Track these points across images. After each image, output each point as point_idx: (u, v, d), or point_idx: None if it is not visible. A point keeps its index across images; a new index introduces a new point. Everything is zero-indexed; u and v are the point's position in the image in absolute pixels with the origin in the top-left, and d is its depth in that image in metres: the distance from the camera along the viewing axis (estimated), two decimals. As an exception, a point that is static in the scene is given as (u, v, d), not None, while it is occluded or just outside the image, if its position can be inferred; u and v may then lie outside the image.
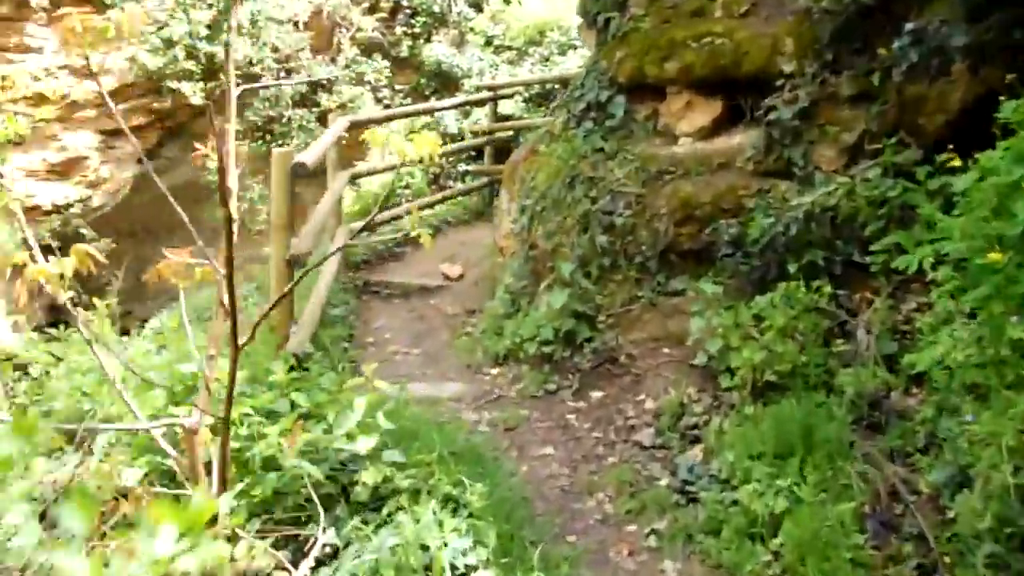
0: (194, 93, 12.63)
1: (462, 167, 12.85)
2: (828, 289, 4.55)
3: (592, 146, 6.41)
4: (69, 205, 12.39)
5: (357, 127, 8.39)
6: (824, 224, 4.74)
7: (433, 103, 11.74)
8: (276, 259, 5.18)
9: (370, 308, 7.73)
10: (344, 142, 14.26)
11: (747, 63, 5.68)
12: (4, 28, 11.60)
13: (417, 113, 10.99)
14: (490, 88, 11.04)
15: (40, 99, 11.99)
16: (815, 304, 4.54)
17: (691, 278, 5.74)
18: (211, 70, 12.91)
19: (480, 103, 11.32)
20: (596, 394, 5.48)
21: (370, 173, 9.12)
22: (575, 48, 13.24)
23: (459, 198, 11.06)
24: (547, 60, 13.36)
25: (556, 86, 11.15)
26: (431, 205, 10.26)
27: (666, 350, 5.59)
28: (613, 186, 6.06)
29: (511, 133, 10.94)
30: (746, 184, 5.52)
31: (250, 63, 13.14)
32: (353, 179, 8.38)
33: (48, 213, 12.16)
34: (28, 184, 12.07)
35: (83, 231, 6.58)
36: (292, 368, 4.66)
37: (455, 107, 11.25)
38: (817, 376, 4.37)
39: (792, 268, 4.76)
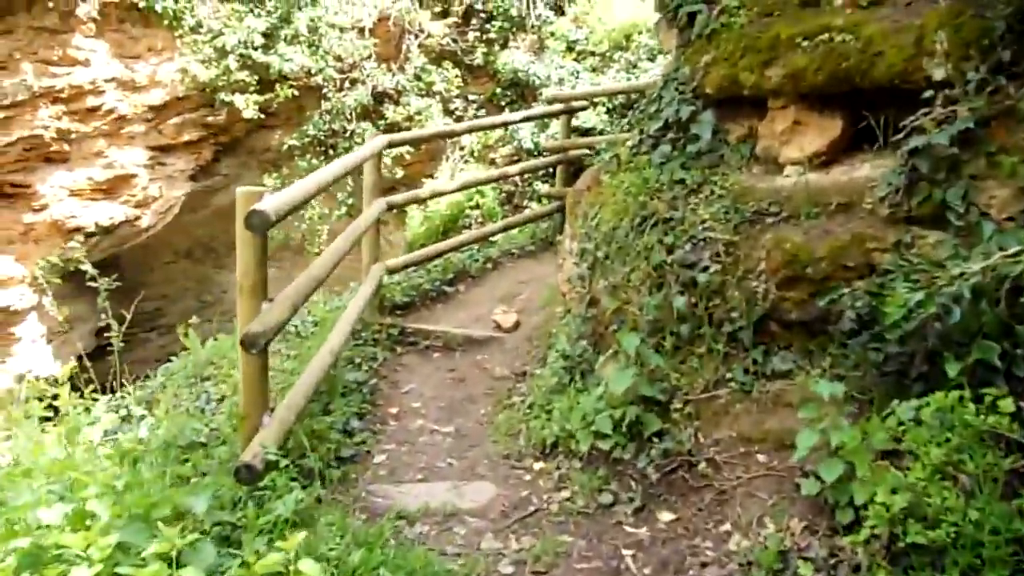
0: (247, 106, 11.65)
1: (540, 187, 11.55)
2: (1010, 405, 3.02)
3: (670, 177, 4.98)
4: (115, 226, 11.55)
5: (398, 145, 7.19)
6: (1003, 304, 3.20)
7: (486, 119, 10.33)
8: (239, 334, 3.94)
9: (403, 365, 6.46)
10: (408, 157, 13.29)
11: (879, 67, 4.16)
12: (48, 40, 10.83)
13: (471, 130, 9.65)
14: (562, 99, 9.64)
15: (86, 114, 11.20)
16: (990, 427, 3.02)
17: (799, 359, 4.26)
18: (267, 81, 11.93)
19: (553, 115, 9.96)
20: (665, 516, 4.05)
21: (414, 201, 7.88)
22: (665, 53, 11.78)
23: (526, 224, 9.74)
24: (634, 67, 11.91)
25: (638, 96, 9.75)
26: (491, 235, 8.93)
27: (762, 457, 4.12)
28: (696, 231, 4.62)
29: (586, 150, 9.57)
30: (878, 234, 4.00)
31: (308, 73, 12.11)
32: (391, 208, 7.13)
33: (91, 235, 11.35)
34: (71, 204, 11.28)
35: (83, 266, 5.35)
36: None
37: (515, 122, 9.86)
38: (995, 546, 2.86)
39: (952, 369, 3.23)
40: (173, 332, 15.91)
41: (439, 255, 7.88)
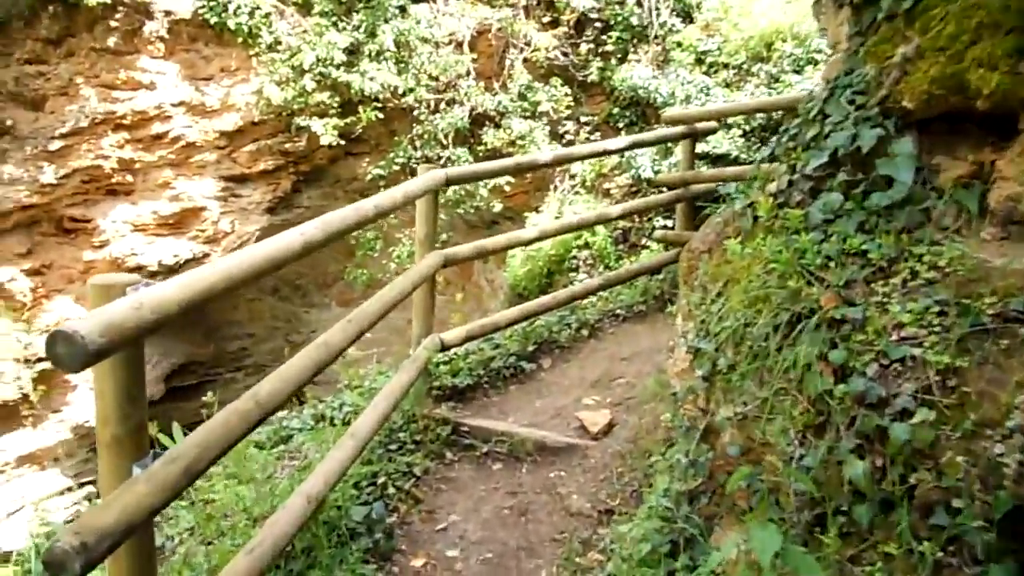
0: (326, 131, 10.29)
1: (660, 223, 9.71)
2: None
3: (840, 246, 3.07)
4: (180, 264, 10.37)
5: (459, 183, 5.59)
6: None
7: (583, 146, 8.10)
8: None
9: (449, 481, 4.76)
10: (509, 188, 11.66)
11: None
12: (112, 62, 9.78)
13: (558, 162, 7.78)
14: (684, 119, 7.76)
15: (151, 142, 10.08)
16: None
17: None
18: (349, 103, 10.55)
19: (671, 140, 8.08)
20: None
21: (479, 256, 6.14)
22: (815, 63, 9.74)
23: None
24: (776, 81, 9.92)
25: (782, 115, 7.82)
26: (584, 296, 7.16)
27: None
28: (886, 343, 2.72)
29: (715, 184, 7.69)
30: None
31: (396, 93, 10.66)
32: (448, 264, 5.45)
33: (154, 275, 10.18)
34: (133, 240, 10.17)
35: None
36: None
37: (619, 150, 7.89)
38: None
39: None
40: (262, 372, 14.83)
41: (511, 324, 6.12)
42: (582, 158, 7.54)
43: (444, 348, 5.50)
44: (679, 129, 7.46)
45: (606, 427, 5.11)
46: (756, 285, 3.27)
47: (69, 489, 10.45)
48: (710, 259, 3.93)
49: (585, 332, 6.70)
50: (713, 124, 7.88)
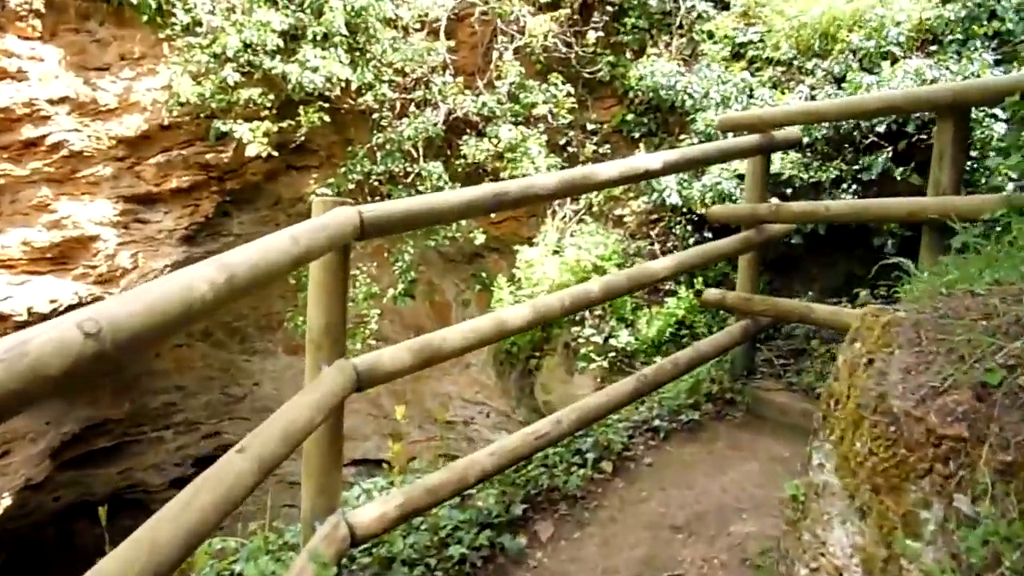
0: (254, 137, 7.83)
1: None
2: None
3: None
4: (59, 311, 7.85)
5: (385, 231, 3.19)
6: None
7: (584, 168, 4.32)
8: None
9: None
10: (492, 217, 9.19)
11: None
12: (-32, 42, 7.33)
13: (552, 196, 4.68)
14: (751, 124, 5.27)
15: (22, 150, 7.61)
16: None
17: None
18: (288, 103, 8.11)
19: (728, 158, 5.61)
20: None
21: (419, 367, 3.46)
22: (893, 59, 7.35)
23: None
24: (842, 81, 7.51)
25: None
26: (614, 409, 4.46)
27: None
28: None
29: (793, 227, 5.23)
30: None
31: (348, 89, 8.23)
32: (366, 387, 2.97)
33: (22, 325, 7.68)
34: (-2, 281, 7.68)
35: None
36: None
37: (644, 176, 4.92)
38: None
39: None
40: (195, 430, 12.32)
41: (482, 480, 3.56)
42: (601, 186, 5.03)
43: (356, 542, 3.02)
44: (752, 140, 4.97)
45: None
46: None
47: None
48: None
49: (607, 466, 4.21)
50: (796, 132, 5.41)
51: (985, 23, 7.09)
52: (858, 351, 2.36)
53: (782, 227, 5.25)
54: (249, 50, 7.74)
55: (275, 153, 8.01)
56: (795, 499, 2.52)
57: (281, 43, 7.84)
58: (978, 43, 6.99)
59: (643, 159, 4.44)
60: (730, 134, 6.37)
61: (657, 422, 4.65)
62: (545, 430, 3.79)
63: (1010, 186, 5.04)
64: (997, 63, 6.78)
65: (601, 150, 8.89)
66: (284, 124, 8.00)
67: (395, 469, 3.91)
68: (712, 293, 5.39)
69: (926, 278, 2.82)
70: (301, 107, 8.07)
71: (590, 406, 4.06)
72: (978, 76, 6.64)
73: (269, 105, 7.94)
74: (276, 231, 2.39)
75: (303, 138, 8.33)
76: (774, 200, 5.65)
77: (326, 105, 8.18)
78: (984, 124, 6.11)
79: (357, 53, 8.25)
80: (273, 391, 11.24)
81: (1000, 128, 5.88)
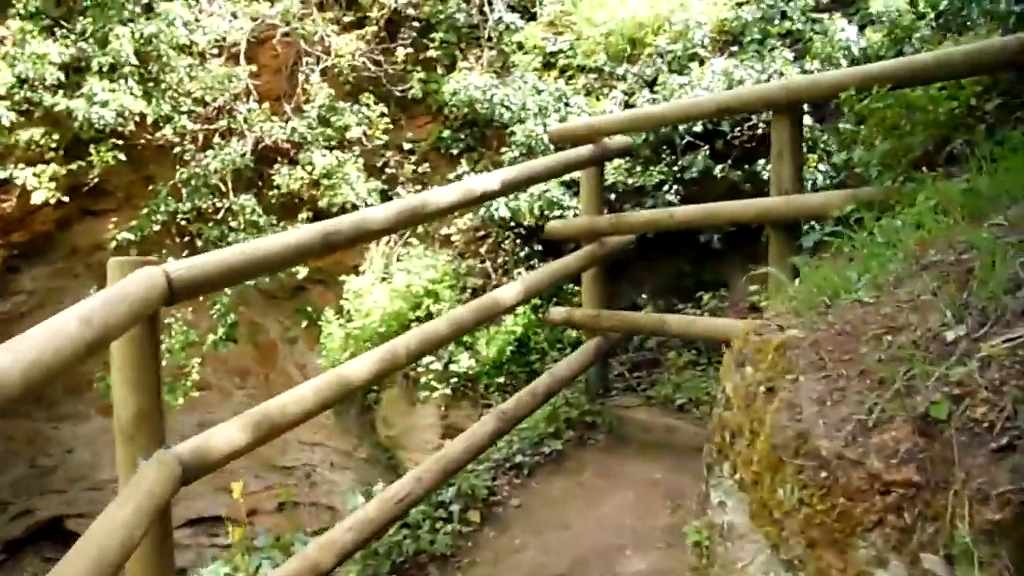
0: (40, 184, 7.04)
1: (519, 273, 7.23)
2: None
3: None
4: None
5: (199, 291, 2.79)
6: None
7: (430, 196, 3.69)
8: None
9: None
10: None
11: None
12: None
13: (387, 230, 4.27)
14: (579, 136, 5.11)
15: None
16: None
17: None
18: (76, 142, 7.35)
19: (561, 172, 5.43)
20: None
21: (251, 447, 2.97)
22: (701, 60, 7.48)
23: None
24: (653, 84, 7.58)
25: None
26: (469, 462, 3.97)
27: None
28: None
29: (632, 237, 5.12)
30: None
31: (144, 123, 7.57)
32: (192, 479, 2.52)
33: None
34: None
35: None
36: None
37: (477, 200, 4.50)
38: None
39: None
40: (2, 511, 11.08)
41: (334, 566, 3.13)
42: (441, 214, 4.74)
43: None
44: (586, 151, 4.81)
45: None
46: None
47: None
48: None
49: (475, 516, 3.91)
50: (628, 139, 5.32)
51: (778, 22, 7.35)
52: (752, 377, 2.19)
53: (624, 238, 5.14)
54: (26, 86, 6.95)
55: (66, 199, 7.25)
56: (698, 545, 2.32)
57: (63, 76, 7.10)
58: (776, 42, 7.23)
59: (481, 180, 4.17)
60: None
61: (519, 458, 4.41)
62: (406, 491, 3.44)
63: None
64: (795, 60, 7.03)
65: (420, 169, 8.61)
66: (74, 166, 7.27)
67: (237, 554, 3.46)
68: (558, 312, 5.21)
69: (797, 286, 2.71)
70: (92, 146, 7.36)
71: (451, 456, 3.74)
72: (781, 74, 6.86)
73: (55, 146, 7.18)
74: (76, 283, 1.95)
75: (97, 179, 7.61)
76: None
77: (120, 142, 7.49)
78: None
79: (151, 84, 7.60)
80: (89, 457, 10.24)
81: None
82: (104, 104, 7.11)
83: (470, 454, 3.86)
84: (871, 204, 3.14)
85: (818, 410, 1.78)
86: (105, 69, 7.29)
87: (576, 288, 6.82)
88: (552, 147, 7.43)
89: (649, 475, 4.04)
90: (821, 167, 6.41)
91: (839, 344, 2.00)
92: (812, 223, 4.15)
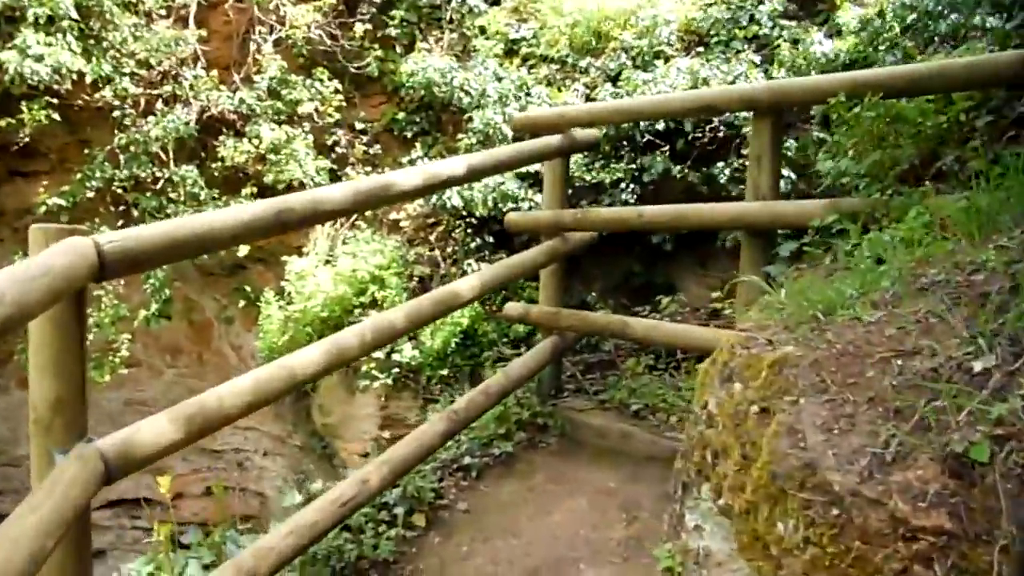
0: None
1: (472, 266, 7.06)
2: None
3: None
4: None
5: (135, 269, 2.52)
6: None
7: (391, 177, 3.54)
8: None
9: None
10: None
11: None
12: None
13: (345, 211, 4.13)
14: (545, 125, 4.93)
15: None
16: None
17: None
18: (6, 96, 6.93)
19: (527, 161, 5.23)
20: None
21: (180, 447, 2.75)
22: (666, 58, 7.35)
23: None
24: (617, 79, 7.43)
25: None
26: (417, 464, 3.77)
27: None
28: None
29: (594, 235, 4.94)
30: None
31: (82, 83, 7.17)
32: (115, 480, 2.29)
33: None
34: None
35: None
36: None
37: (436, 186, 4.20)
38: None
39: None
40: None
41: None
42: (402, 198, 4.51)
43: None
44: (554, 140, 4.61)
45: None
46: None
47: None
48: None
49: (420, 520, 3.70)
50: (596, 132, 5.14)
51: (745, 26, 7.25)
52: (741, 395, 2.03)
53: (587, 235, 4.97)
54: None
55: (-8, 157, 6.81)
56: (670, 571, 2.15)
57: (-7, 27, 6.67)
58: (742, 45, 7.13)
59: (446, 164, 3.93)
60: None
61: (468, 459, 4.21)
62: (350, 494, 3.22)
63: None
64: (761, 64, 6.94)
65: (372, 150, 8.33)
66: (3, 122, 6.81)
67: (160, 552, 3.19)
68: (513, 307, 5.02)
69: (783, 298, 2.56)
70: (24, 102, 6.91)
71: (399, 457, 3.52)
72: (747, 77, 6.75)
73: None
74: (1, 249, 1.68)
75: (28, 139, 7.15)
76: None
77: (55, 101, 7.06)
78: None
79: (91, 41, 7.19)
80: (6, 432, 9.73)
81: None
82: (39, 59, 6.68)
83: (419, 457, 3.65)
84: (854, 216, 3.01)
85: (825, 438, 1.62)
86: (42, 21, 6.86)
87: (526, 283, 6.66)
88: (510, 137, 7.27)
89: (604, 483, 3.87)
90: (784, 172, 6.33)
91: (842, 365, 1.84)
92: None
